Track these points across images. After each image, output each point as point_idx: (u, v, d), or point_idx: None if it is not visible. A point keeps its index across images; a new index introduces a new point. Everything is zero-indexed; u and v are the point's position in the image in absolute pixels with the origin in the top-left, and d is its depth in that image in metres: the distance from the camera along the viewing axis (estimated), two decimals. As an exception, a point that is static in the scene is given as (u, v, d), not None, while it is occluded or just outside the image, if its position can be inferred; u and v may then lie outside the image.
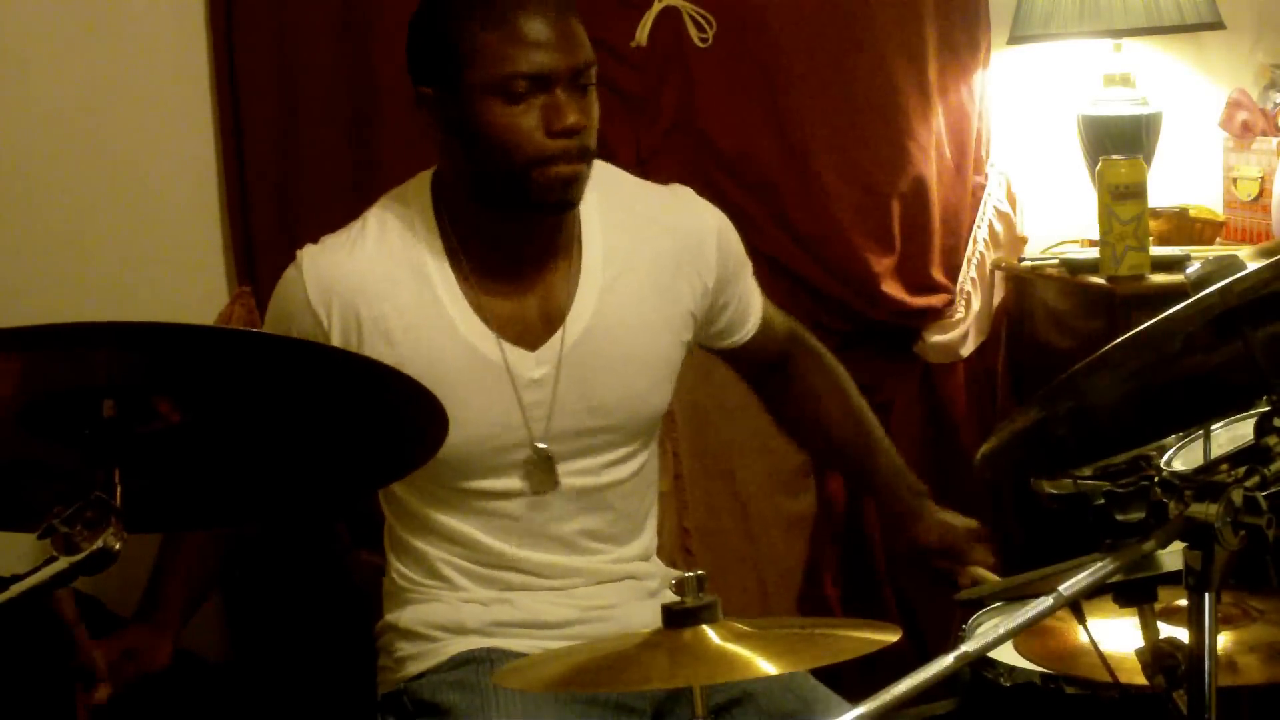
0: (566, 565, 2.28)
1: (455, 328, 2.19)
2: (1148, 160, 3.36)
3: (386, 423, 1.69)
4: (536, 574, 2.27)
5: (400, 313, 2.19)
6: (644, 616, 2.21)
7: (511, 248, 2.22)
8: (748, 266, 2.41)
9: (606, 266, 2.25)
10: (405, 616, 2.28)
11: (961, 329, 3.49)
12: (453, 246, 2.21)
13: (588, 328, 2.23)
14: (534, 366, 2.21)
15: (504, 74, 2.11)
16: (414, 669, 2.25)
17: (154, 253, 3.15)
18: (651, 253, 2.27)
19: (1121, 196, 3.19)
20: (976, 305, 3.50)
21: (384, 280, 2.20)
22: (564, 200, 2.17)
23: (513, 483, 2.25)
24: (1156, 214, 3.38)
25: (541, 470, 2.24)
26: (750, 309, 2.42)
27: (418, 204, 2.23)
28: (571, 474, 2.26)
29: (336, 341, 2.18)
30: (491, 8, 2.12)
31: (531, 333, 2.22)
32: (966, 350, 3.51)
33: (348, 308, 2.19)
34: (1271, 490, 1.58)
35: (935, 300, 3.46)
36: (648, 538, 2.38)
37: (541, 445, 2.23)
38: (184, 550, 2.33)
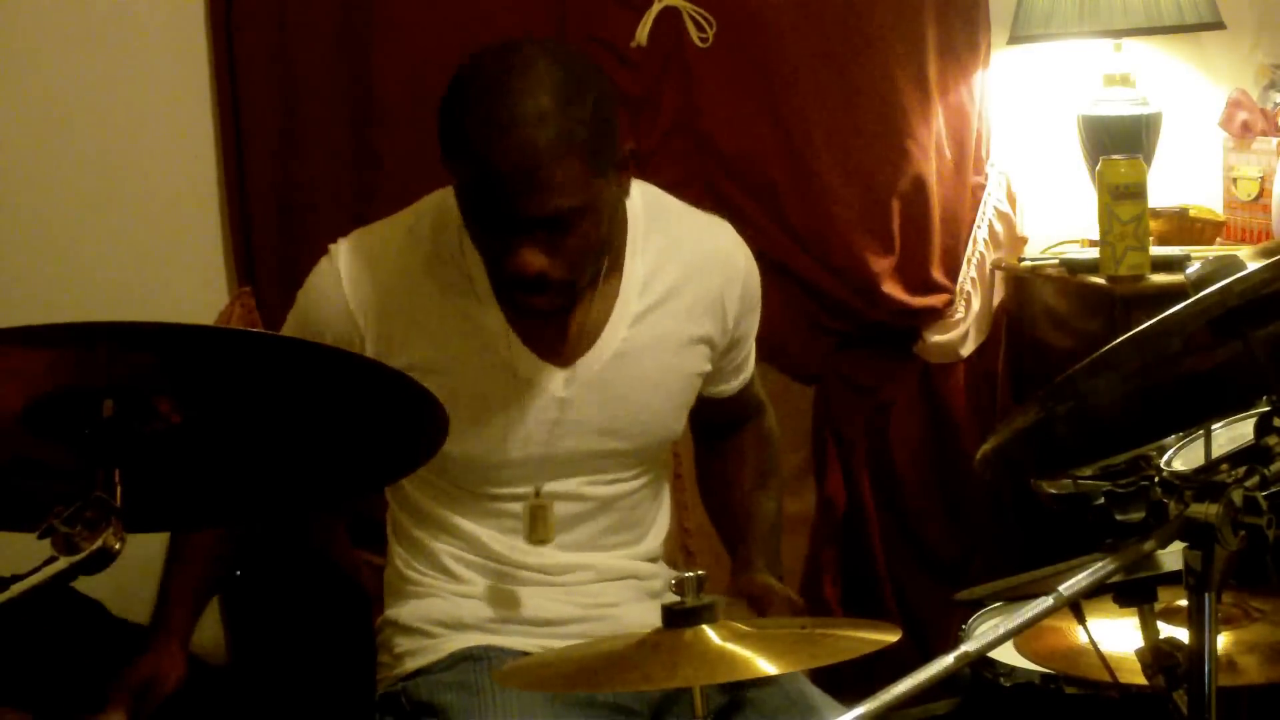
0: (571, 562, 2.28)
1: (487, 338, 2.19)
2: (1148, 160, 3.36)
3: (386, 423, 1.69)
4: (540, 570, 2.28)
5: (434, 315, 2.18)
6: (645, 617, 2.21)
7: None
8: (758, 319, 2.41)
9: (644, 293, 2.25)
10: (405, 612, 2.28)
11: (961, 329, 3.49)
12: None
13: (619, 351, 2.23)
14: (562, 384, 2.21)
15: (473, 208, 2.07)
16: (412, 665, 2.25)
17: (154, 253, 3.15)
18: (688, 284, 2.27)
19: (1121, 196, 3.19)
20: (976, 305, 3.50)
21: (421, 280, 2.19)
22: (546, 315, 2.16)
23: (527, 489, 2.25)
24: (1156, 214, 3.38)
25: (539, 519, 2.25)
26: (746, 365, 2.43)
27: (456, 212, 2.20)
28: (581, 485, 2.27)
29: (370, 341, 2.18)
30: (470, 142, 2.03)
31: (563, 350, 2.22)
32: (966, 350, 3.51)
33: (384, 304, 2.18)
34: (1271, 490, 1.58)
35: (935, 300, 3.46)
36: (653, 541, 2.38)
37: (541, 494, 2.24)
38: (188, 568, 2.31)
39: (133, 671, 2.25)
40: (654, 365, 2.26)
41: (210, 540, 2.32)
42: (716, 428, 2.50)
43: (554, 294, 2.11)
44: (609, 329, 2.23)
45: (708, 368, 2.33)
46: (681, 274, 2.27)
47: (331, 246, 2.24)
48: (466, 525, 2.26)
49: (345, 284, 2.18)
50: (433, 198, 2.26)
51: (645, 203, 2.27)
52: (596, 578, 2.30)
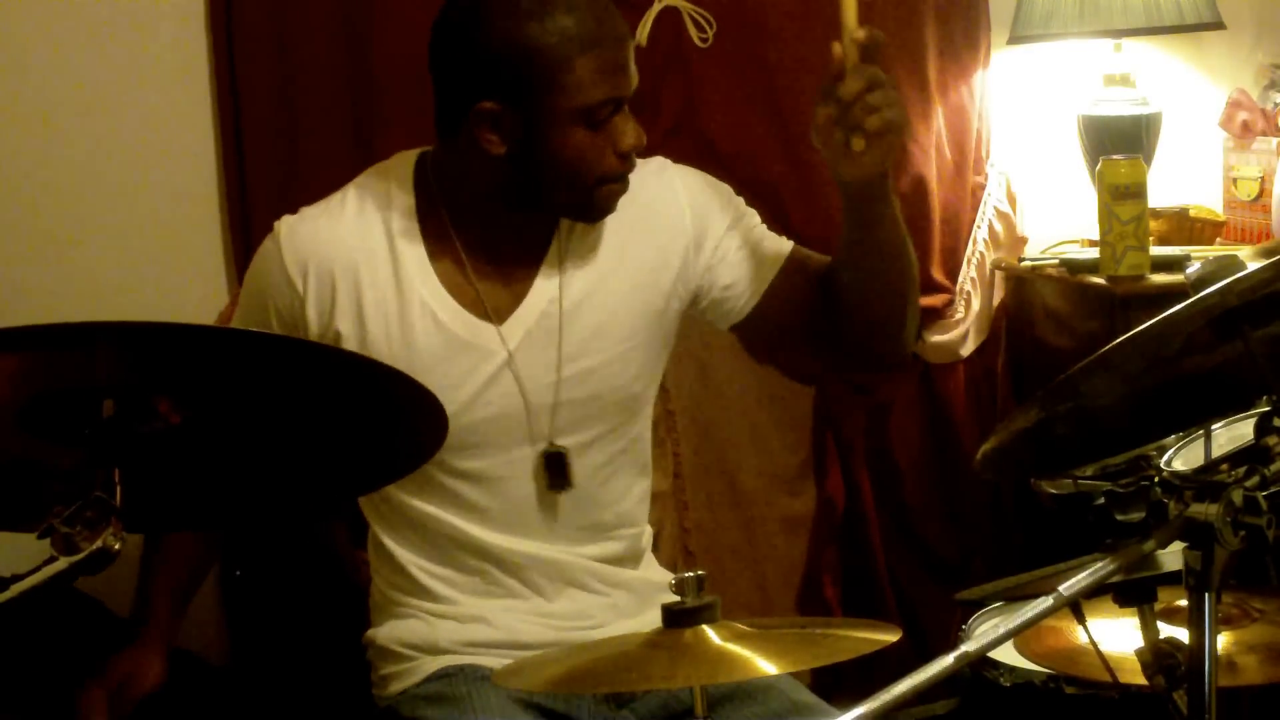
0: (545, 557, 2.25)
1: (425, 303, 2.19)
2: (1148, 160, 3.36)
3: (386, 422, 1.69)
4: (515, 568, 2.25)
5: (372, 286, 2.20)
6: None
7: (503, 236, 2.22)
8: (744, 216, 2.32)
9: (576, 241, 2.24)
10: (383, 634, 2.28)
11: (961, 329, 3.49)
12: (428, 226, 2.21)
13: (554, 301, 2.22)
14: (502, 341, 2.21)
15: (596, 101, 2.12)
16: (395, 688, 2.25)
17: (154, 253, 3.15)
18: (622, 228, 2.25)
19: (1121, 196, 3.19)
20: (976, 305, 3.49)
21: (359, 252, 2.20)
22: (609, 211, 2.21)
23: (485, 464, 2.23)
24: (1156, 214, 3.38)
25: (553, 469, 2.23)
26: (760, 258, 2.29)
27: (398, 182, 2.23)
28: (541, 454, 2.23)
29: (311, 310, 2.19)
30: (585, 34, 2.10)
31: (500, 308, 2.21)
32: (966, 350, 3.50)
33: (324, 278, 2.20)
34: (1271, 490, 1.58)
35: (935, 300, 3.46)
36: (631, 539, 2.34)
37: (557, 443, 2.23)
38: (167, 563, 2.32)
39: (111, 667, 2.25)
40: (595, 314, 2.23)
41: (189, 536, 2.33)
42: (806, 322, 2.32)
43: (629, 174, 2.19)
44: (541, 281, 2.22)
45: (661, 305, 2.28)
46: (613, 219, 2.24)
47: (277, 222, 2.26)
48: (435, 514, 2.23)
49: (285, 254, 2.22)
50: (378, 170, 2.28)
51: None
52: (573, 580, 2.26)
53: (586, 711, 2.18)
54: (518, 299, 2.22)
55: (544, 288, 2.22)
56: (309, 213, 2.27)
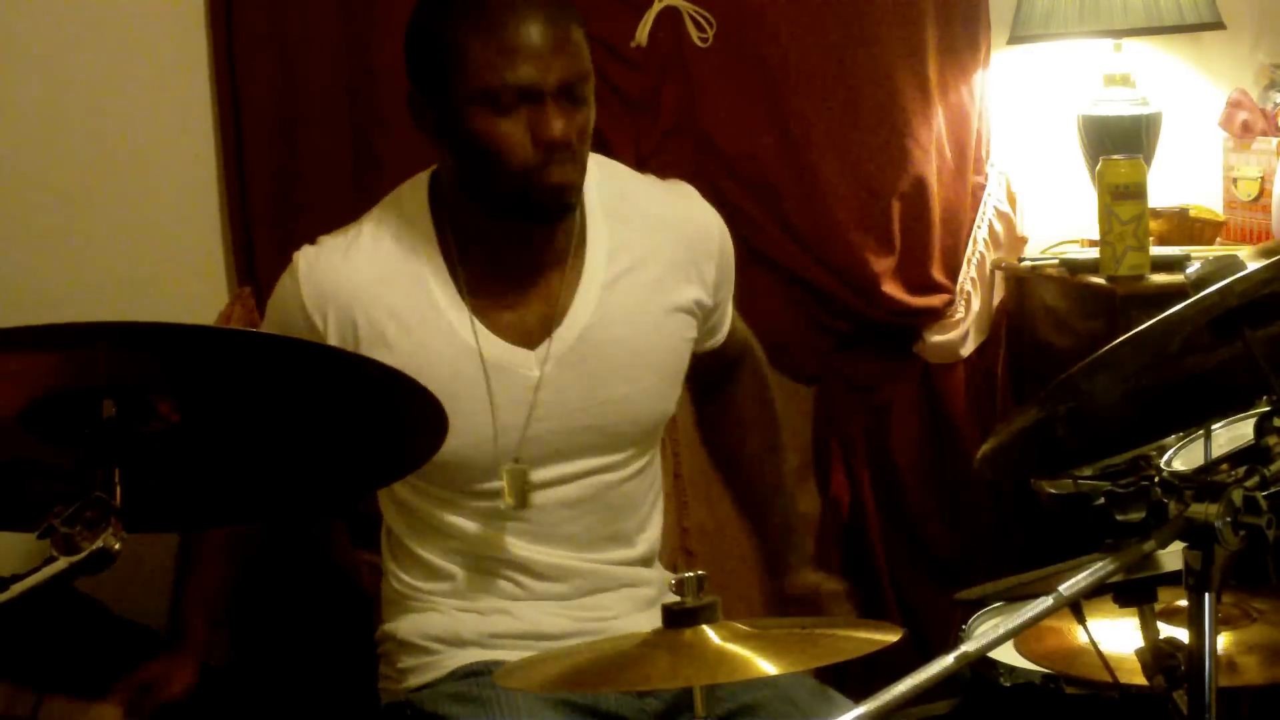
0: (568, 566, 2.27)
1: (453, 330, 2.18)
2: (1148, 160, 3.36)
3: (386, 423, 1.69)
4: (538, 574, 2.26)
5: (396, 317, 2.18)
6: (643, 628, 2.20)
7: (512, 249, 2.21)
8: (730, 298, 2.41)
9: (610, 263, 2.24)
10: (403, 627, 2.28)
11: (961, 329, 3.49)
12: (449, 248, 2.20)
13: (588, 325, 2.21)
14: (534, 366, 2.20)
15: (492, 85, 2.09)
16: (415, 682, 2.25)
17: (154, 253, 3.15)
18: (657, 248, 2.26)
19: (1121, 196, 3.19)
20: (976, 305, 3.50)
21: (380, 284, 2.19)
22: (558, 208, 2.16)
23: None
24: (1156, 214, 3.38)
25: (518, 484, 2.23)
26: (728, 313, 2.41)
27: (414, 206, 2.22)
28: (572, 475, 2.25)
29: (333, 345, 2.17)
30: (482, 16, 2.09)
31: (531, 332, 2.21)
32: (966, 350, 3.51)
33: (344, 314, 2.18)
34: (1271, 490, 1.58)
35: (935, 300, 3.46)
36: (650, 541, 2.36)
37: (518, 461, 2.22)
38: (198, 576, 2.35)
39: (139, 671, 2.26)
40: (630, 338, 2.24)
41: (219, 550, 2.33)
42: (707, 378, 2.47)
43: (574, 169, 2.14)
44: (576, 304, 2.22)
45: (692, 334, 2.31)
46: (649, 242, 2.25)
47: (296, 254, 2.25)
48: (461, 525, 2.25)
49: (305, 293, 2.20)
50: (393, 197, 2.27)
51: (603, 175, 2.27)
52: (594, 584, 2.28)
53: (613, 700, 2.18)
54: (550, 324, 2.21)
55: (577, 314, 2.21)
56: (328, 246, 2.24)
